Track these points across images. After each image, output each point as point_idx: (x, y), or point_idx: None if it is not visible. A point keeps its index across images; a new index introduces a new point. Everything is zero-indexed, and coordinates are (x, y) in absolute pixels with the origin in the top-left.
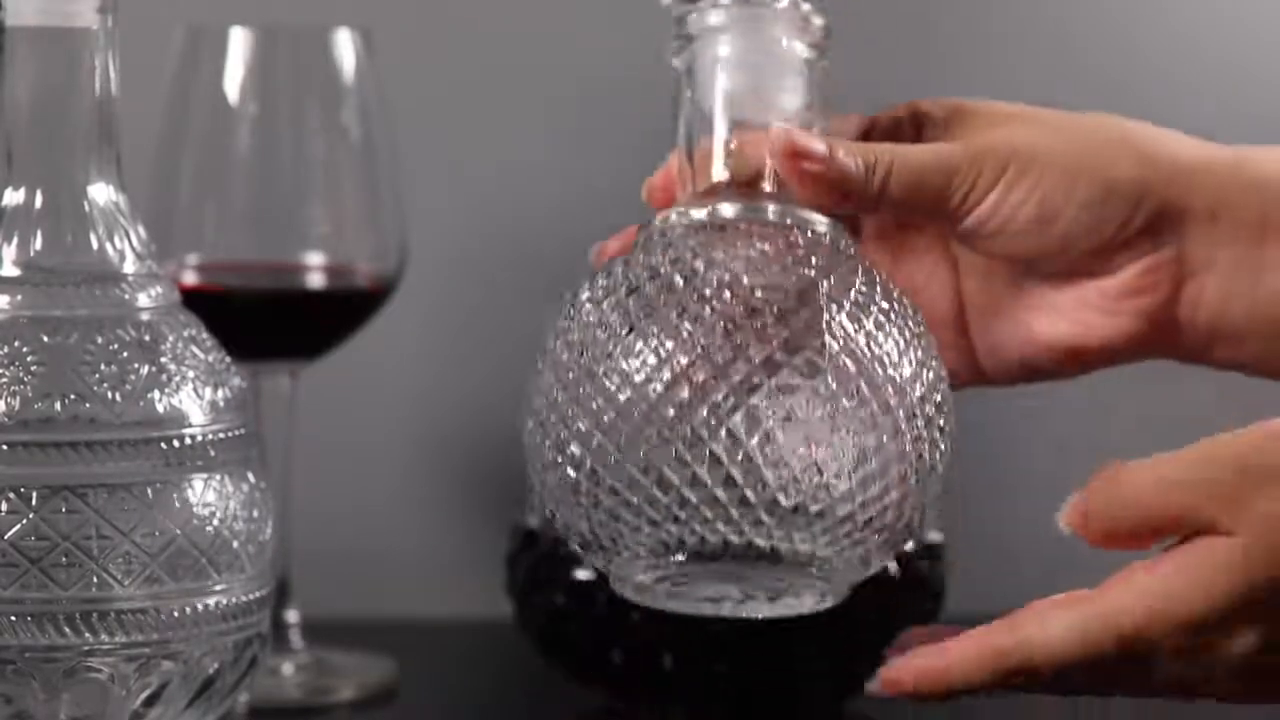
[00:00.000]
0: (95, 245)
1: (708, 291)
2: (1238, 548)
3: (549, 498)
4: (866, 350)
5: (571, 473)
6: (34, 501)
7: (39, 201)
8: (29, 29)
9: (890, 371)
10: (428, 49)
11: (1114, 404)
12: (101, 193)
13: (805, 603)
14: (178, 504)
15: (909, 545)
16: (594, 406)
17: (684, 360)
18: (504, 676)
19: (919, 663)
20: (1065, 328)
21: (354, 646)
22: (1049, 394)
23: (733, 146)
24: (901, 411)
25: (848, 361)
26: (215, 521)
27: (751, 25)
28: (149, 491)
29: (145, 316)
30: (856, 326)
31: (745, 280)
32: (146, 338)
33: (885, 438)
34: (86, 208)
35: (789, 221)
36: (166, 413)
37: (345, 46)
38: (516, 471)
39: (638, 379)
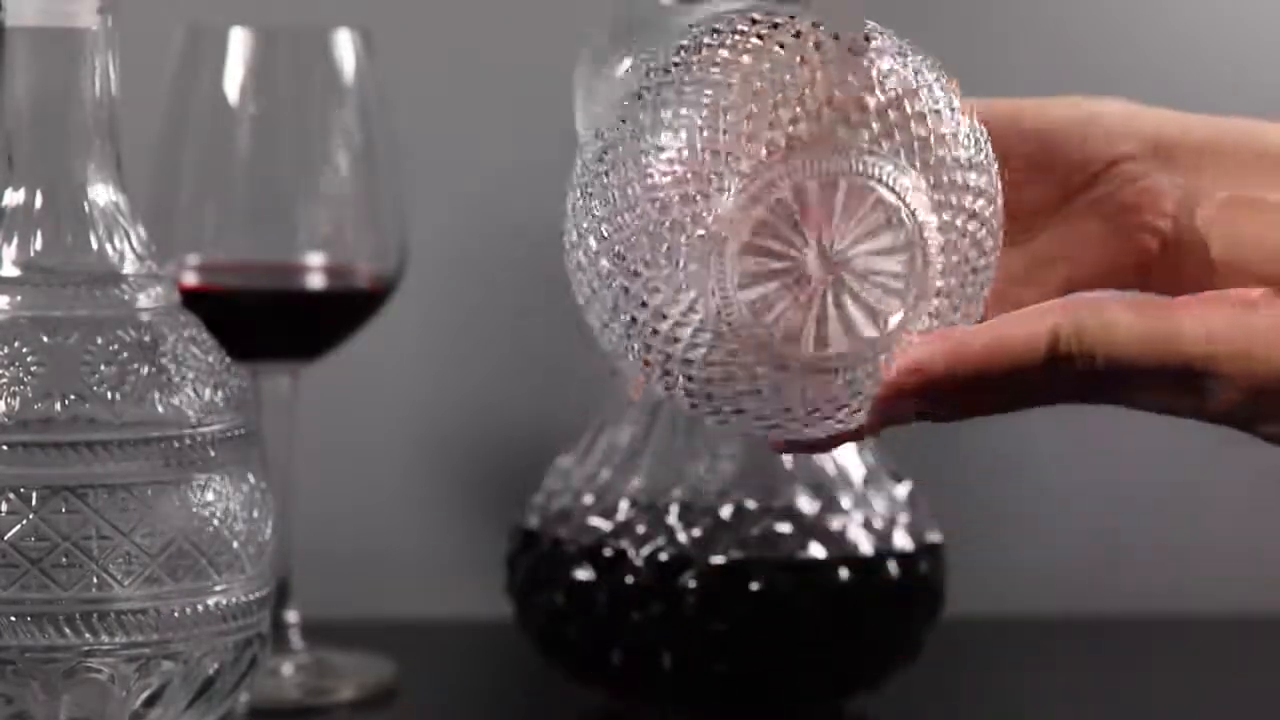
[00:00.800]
0: (95, 246)
1: (737, 63)
2: None
3: (590, 310)
4: (928, 122)
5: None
6: (34, 502)
7: (39, 202)
8: (29, 29)
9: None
10: (428, 49)
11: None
12: (101, 193)
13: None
14: (178, 504)
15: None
16: (613, 181)
17: (709, 130)
18: (504, 676)
19: (949, 341)
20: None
21: (354, 647)
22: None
23: None
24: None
25: (918, 130)
26: (215, 522)
27: None
28: (149, 492)
29: (145, 317)
30: (918, 98)
31: (781, 56)
32: (146, 338)
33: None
34: (86, 208)
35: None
36: (166, 413)
37: (345, 47)
38: (516, 472)
39: (667, 152)
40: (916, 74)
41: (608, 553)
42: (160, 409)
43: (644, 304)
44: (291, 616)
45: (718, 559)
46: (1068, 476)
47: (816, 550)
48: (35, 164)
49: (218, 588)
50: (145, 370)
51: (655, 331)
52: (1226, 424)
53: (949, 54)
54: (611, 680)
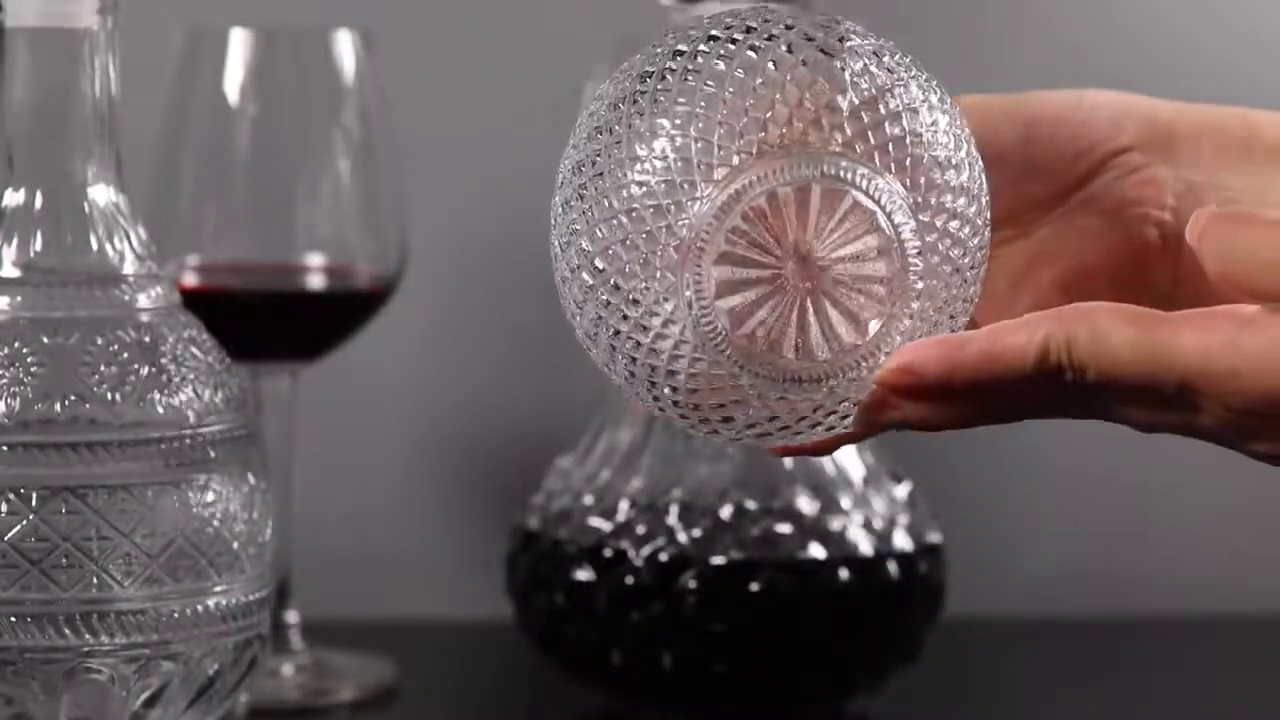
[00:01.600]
0: (95, 246)
1: (722, 68)
2: None
3: (579, 321)
4: (903, 122)
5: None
6: (34, 502)
7: (39, 202)
8: (29, 30)
9: (926, 137)
10: (428, 50)
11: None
12: (102, 193)
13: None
14: (178, 505)
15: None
16: (597, 189)
17: (700, 135)
18: (504, 676)
19: (944, 348)
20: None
21: (354, 647)
22: None
23: None
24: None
25: (892, 129)
26: (215, 522)
27: None
28: (149, 492)
29: (145, 317)
30: (907, 103)
31: (769, 53)
32: (146, 339)
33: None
34: (86, 209)
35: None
36: (166, 414)
37: (345, 47)
38: (516, 472)
39: (655, 155)
40: (891, 72)
41: (608, 553)
42: (160, 409)
43: (625, 317)
44: (291, 617)
45: (718, 559)
46: (1068, 477)
47: (816, 551)
48: (35, 164)
49: (217, 588)
50: (145, 371)
51: (638, 344)
52: (1214, 441)
53: (948, 54)
54: (611, 680)
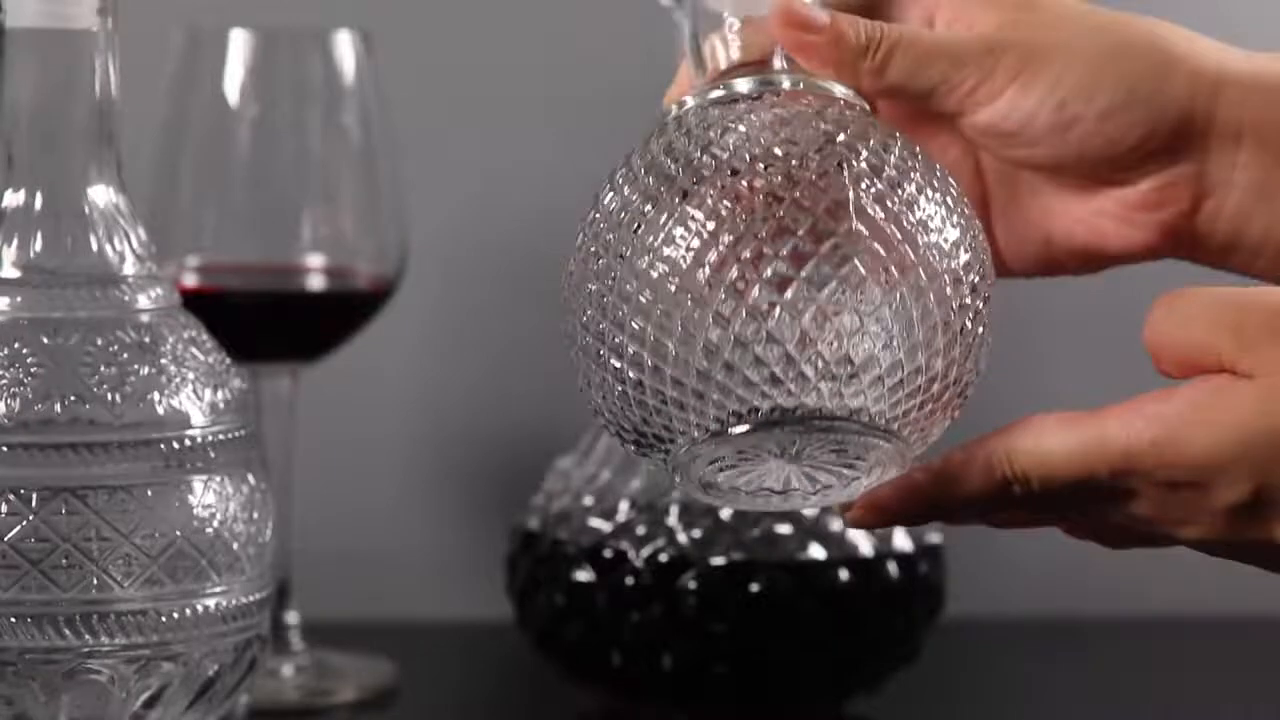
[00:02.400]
0: (95, 247)
1: (740, 167)
2: (1251, 390)
3: (597, 396)
4: (914, 217)
5: (615, 363)
6: (34, 503)
7: (39, 203)
8: (29, 30)
9: (939, 239)
10: (428, 50)
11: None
12: (101, 194)
13: (873, 473)
14: (178, 506)
15: (959, 412)
16: (628, 289)
17: (719, 234)
18: (504, 676)
19: (900, 486)
20: (1082, 233)
21: (354, 648)
22: (1049, 394)
23: (737, 29)
24: (949, 279)
25: (894, 230)
26: (215, 523)
27: None
28: (149, 493)
29: (145, 318)
30: (901, 192)
31: (764, 141)
32: (146, 339)
33: (937, 304)
34: (86, 209)
35: (803, 87)
36: (166, 414)
37: (345, 48)
38: (516, 472)
39: (671, 255)
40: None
41: (608, 554)
42: (160, 410)
43: (647, 423)
44: (291, 618)
45: (718, 560)
46: None
47: (816, 551)
48: (35, 165)
49: (217, 589)
50: (145, 371)
51: (660, 440)
52: (1155, 538)
53: None
54: (611, 680)
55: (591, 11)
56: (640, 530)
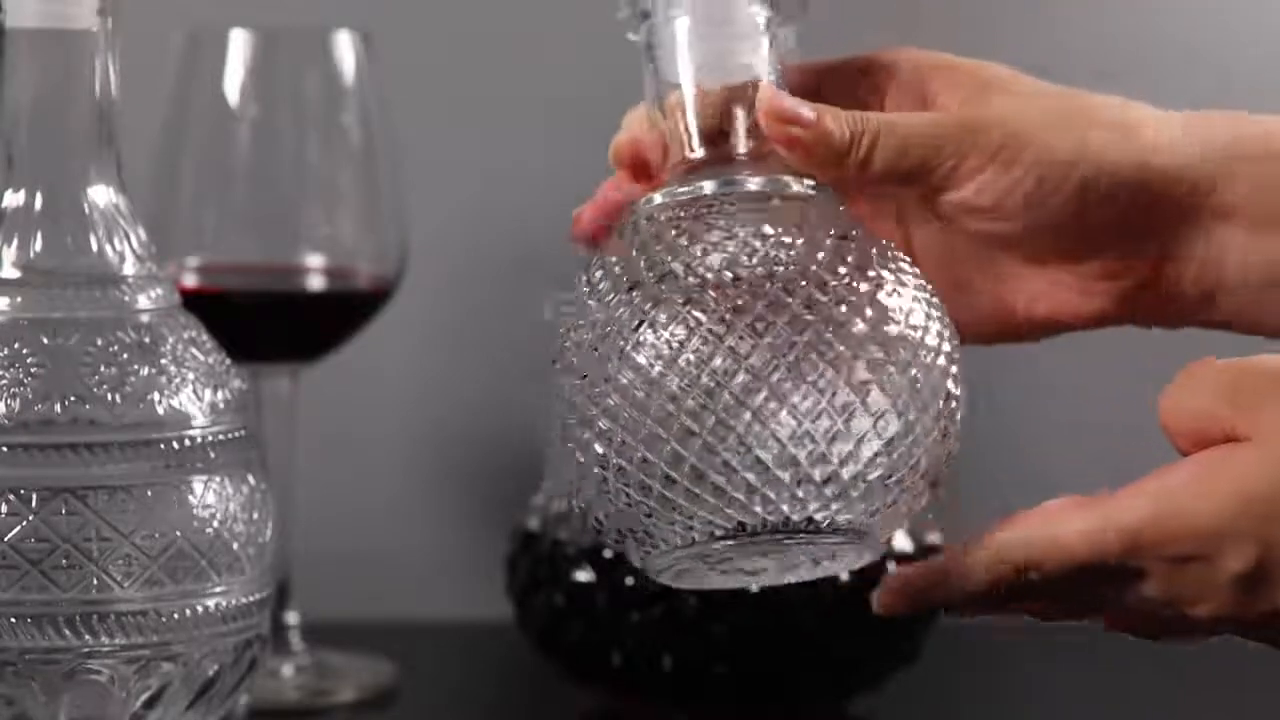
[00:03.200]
0: (95, 247)
1: (709, 276)
2: (1251, 455)
3: (582, 499)
4: (878, 313)
5: (599, 471)
6: (34, 503)
7: (39, 203)
8: (29, 31)
9: (905, 331)
10: (428, 51)
11: (1116, 404)
12: (101, 194)
13: (845, 563)
14: (178, 506)
15: (937, 494)
16: (612, 403)
17: (698, 349)
18: (504, 677)
19: (922, 569)
20: (1041, 306)
21: (354, 648)
22: (1050, 393)
23: (696, 97)
24: (918, 370)
25: (861, 326)
26: (215, 523)
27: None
28: (149, 493)
29: (145, 318)
30: (863, 289)
31: (745, 260)
32: (146, 340)
33: (907, 398)
34: (86, 210)
35: (770, 191)
36: (166, 415)
37: (345, 48)
38: (516, 472)
39: (654, 373)
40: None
41: (608, 554)
42: (160, 410)
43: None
44: (291, 618)
45: None
46: (1068, 477)
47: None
48: (35, 165)
49: (217, 589)
50: (145, 371)
51: (638, 543)
52: (1168, 625)
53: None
54: (611, 680)
55: (591, 12)
56: None
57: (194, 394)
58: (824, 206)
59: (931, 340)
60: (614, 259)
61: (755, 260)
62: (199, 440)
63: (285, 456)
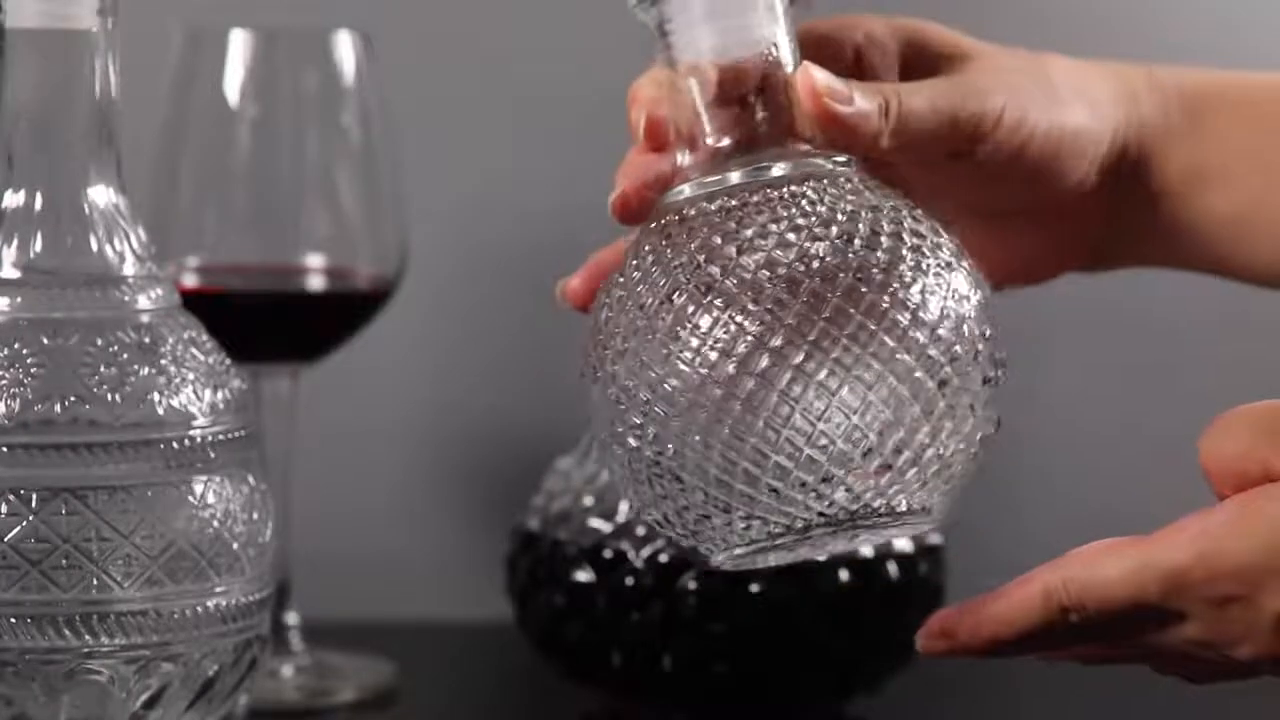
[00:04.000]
0: (95, 247)
1: (746, 277)
2: None
3: (636, 501)
4: (920, 297)
5: (652, 478)
6: (34, 504)
7: (39, 203)
8: (29, 31)
9: (947, 310)
10: (428, 51)
11: (1116, 404)
12: (101, 195)
13: (908, 532)
14: (178, 506)
15: (984, 458)
16: (660, 412)
17: (741, 352)
18: (504, 677)
19: (966, 612)
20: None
21: (354, 649)
22: (1049, 394)
23: (718, 80)
24: (962, 348)
25: (904, 316)
26: (215, 523)
27: None
28: (149, 493)
29: (145, 319)
30: (904, 272)
31: (781, 256)
32: (146, 340)
33: (954, 380)
34: (86, 210)
35: (800, 174)
36: (166, 415)
37: (345, 48)
38: (516, 473)
39: (697, 379)
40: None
41: (608, 554)
42: (160, 410)
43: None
44: (291, 618)
45: None
46: (1068, 477)
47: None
48: (35, 165)
49: (218, 589)
50: (145, 372)
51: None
52: (1212, 669)
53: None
54: (611, 680)
55: (592, 12)
56: (640, 530)
57: (194, 394)
58: (855, 183)
59: (972, 314)
60: (651, 261)
61: (792, 256)
62: (199, 440)
63: (285, 456)
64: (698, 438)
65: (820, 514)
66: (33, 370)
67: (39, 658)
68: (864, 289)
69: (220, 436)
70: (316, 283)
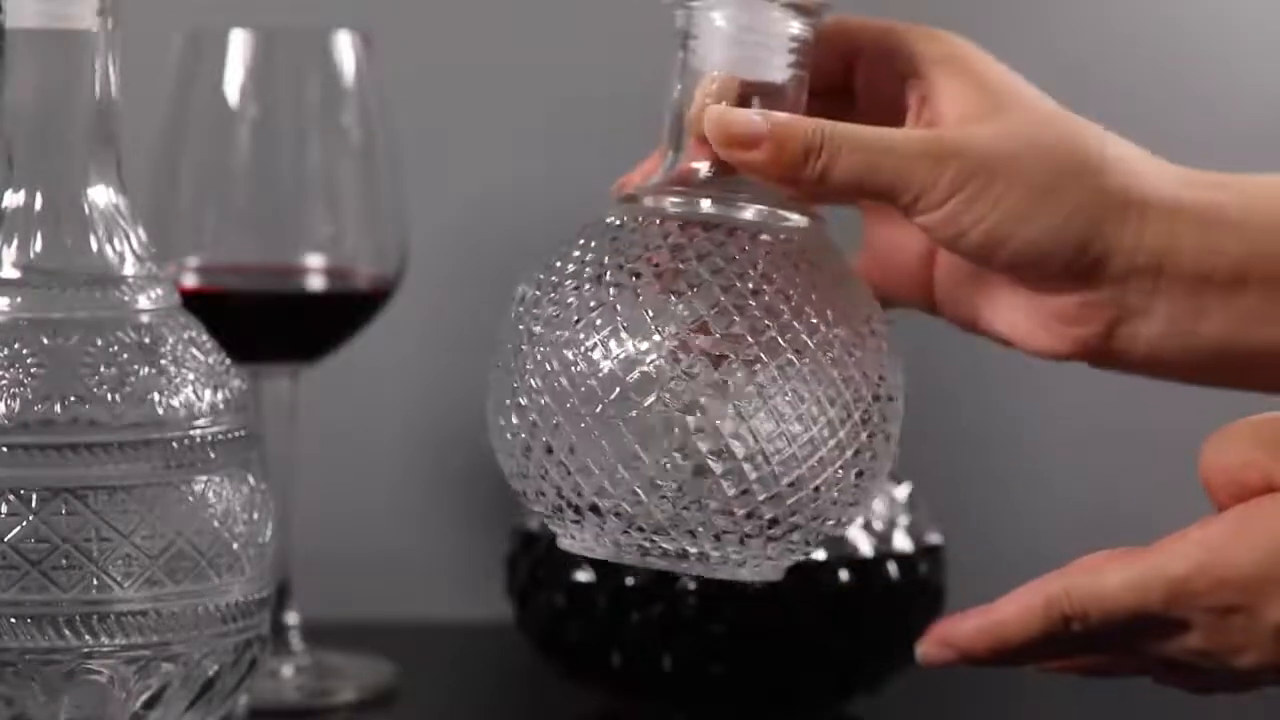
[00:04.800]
0: (95, 247)
1: (677, 290)
2: None
3: (511, 470)
4: (820, 357)
5: (532, 449)
6: (34, 504)
7: (39, 203)
8: (29, 31)
9: (844, 372)
10: (428, 51)
11: (1116, 404)
12: (102, 195)
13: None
14: (178, 506)
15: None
16: (558, 386)
17: (649, 353)
18: (504, 677)
19: (969, 620)
20: (1006, 328)
21: (354, 649)
22: (1049, 394)
23: (714, 86)
24: (857, 414)
25: (802, 364)
26: (215, 523)
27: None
28: (149, 493)
29: (145, 319)
30: (808, 338)
31: (714, 291)
32: (146, 340)
33: (841, 439)
34: (87, 210)
35: (761, 225)
36: (166, 415)
37: (345, 48)
38: None
39: (604, 368)
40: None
41: None
42: (160, 410)
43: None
44: (291, 618)
45: None
46: (1069, 477)
47: (816, 552)
48: (35, 165)
49: (218, 589)
50: (145, 371)
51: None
52: (1214, 680)
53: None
54: (611, 680)
55: (592, 12)
56: None
57: (194, 394)
58: (809, 246)
59: (870, 388)
60: (590, 259)
61: (727, 299)
62: (199, 440)
63: (285, 456)
64: (588, 414)
65: (664, 548)
66: (33, 370)
67: (39, 658)
68: (777, 349)
69: (220, 436)
70: (316, 283)
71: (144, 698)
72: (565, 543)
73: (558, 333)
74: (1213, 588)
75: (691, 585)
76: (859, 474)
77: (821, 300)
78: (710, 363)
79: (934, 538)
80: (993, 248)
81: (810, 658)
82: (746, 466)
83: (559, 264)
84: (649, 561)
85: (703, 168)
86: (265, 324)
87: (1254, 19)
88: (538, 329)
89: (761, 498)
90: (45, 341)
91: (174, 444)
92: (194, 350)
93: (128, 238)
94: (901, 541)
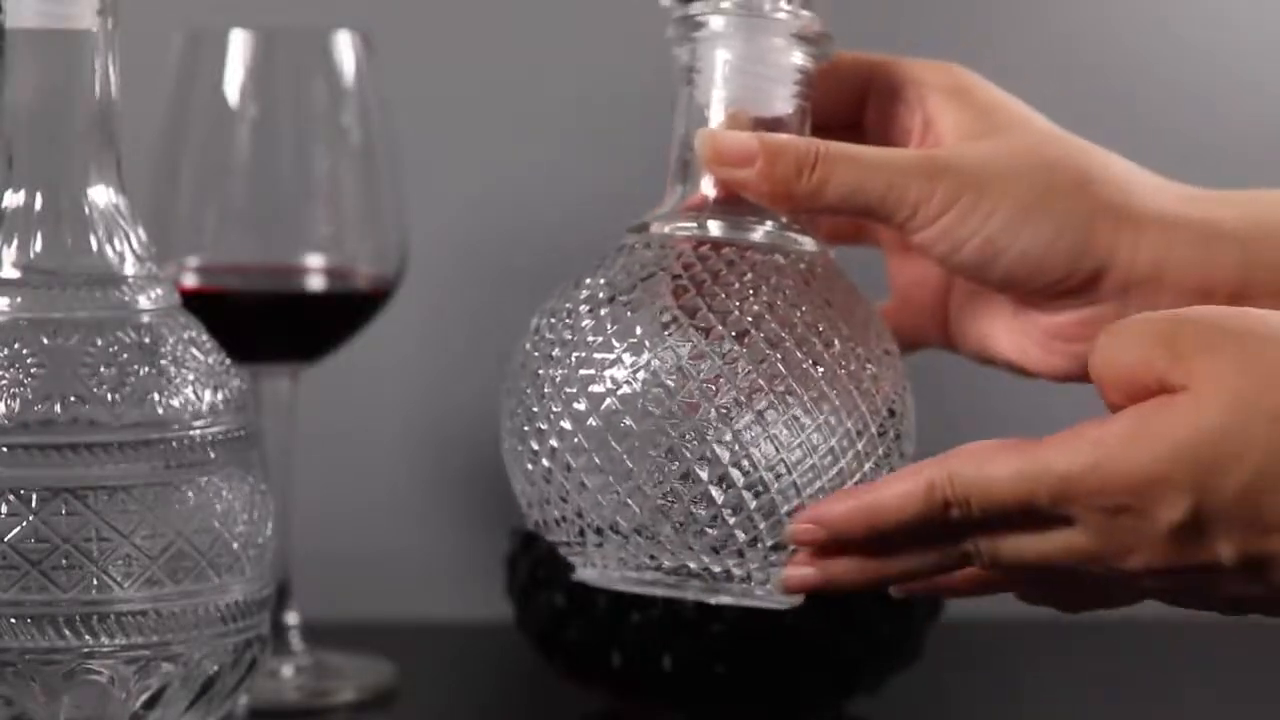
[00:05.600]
0: (95, 247)
1: (691, 317)
2: (1186, 405)
3: (526, 493)
4: (837, 370)
5: (547, 466)
6: (34, 504)
7: (39, 203)
8: (29, 31)
9: (861, 385)
10: (428, 51)
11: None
12: (102, 195)
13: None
14: (178, 506)
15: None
16: (576, 409)
17: (669, 370)
18: (504, 677)
19: (845, 500)
20: (1013, 352)
21: (354, 649)
22: (1049, 394)
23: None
24: (874, 427)
25: (820, 389)
26: (215, 523)
27: (753, 33)
28: (149, 493)
29: (145, 319)
30: (824, 351)
31: (729, 307)
32: (146, 340)
33: (860, 451)
34: (86, 210)
35: (771, 246)
36: (166, 414)
37: (345, 48)
38: None
39: (623, 387)
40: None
41: None
42: (160, 410)
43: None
44: (291, 618)
45: None
46: None
47: None
48: (35, 165)
49: (218, 589)
50: (145, 371)
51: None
52: (1102, 579)
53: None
54: (611, 681)
55: (592, 13)
56: None
57: (194, 394)
58: (820, 267)
59: (880, 413)
60: (608, 274)
61: (729, 324)
62: (199, 440)
63: (285, 456)
64: (604, 432)
65: (673, 566)
66: (33, 370)
67: (39, 658)
68: (779, 374)
69: (220, 436)
70: (316, 283)
71: (144, 698)
72: (585, 573)
73: (575, 354)
74: (1104, 486)
75: None
76: None
77: (837, 315)
78: (730, 376)
79: None
80: (987, 262)
81: (810, 658)
82: (768, 476)
83: (572, 290)
84: (674, 592)
85: (711, 197)
86: (265, 324)
87: (1254, 19)
88: (555, 353)
89: (784, 510)
90: (45, 341)
91: (174, 444)
92: (194, 350)
93: (128, 238)
94: None
